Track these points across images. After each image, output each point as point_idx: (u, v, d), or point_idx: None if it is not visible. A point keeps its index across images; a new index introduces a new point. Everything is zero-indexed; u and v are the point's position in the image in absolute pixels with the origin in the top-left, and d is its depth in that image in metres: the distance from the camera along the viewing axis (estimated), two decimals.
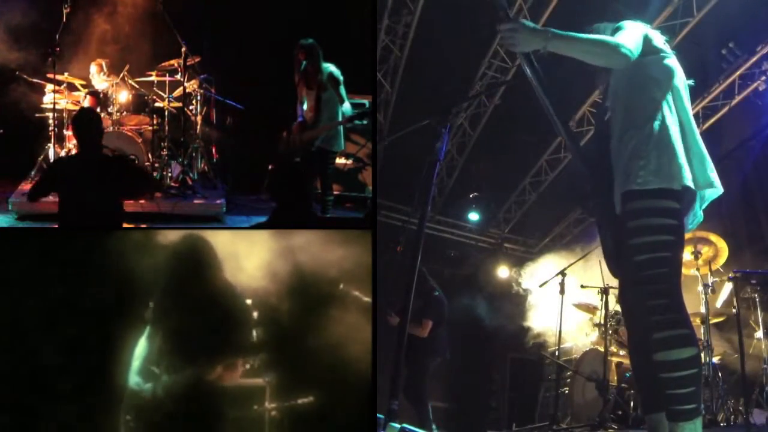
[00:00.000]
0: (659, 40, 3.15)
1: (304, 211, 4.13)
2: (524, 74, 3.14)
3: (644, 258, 2.91)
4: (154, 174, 6.79)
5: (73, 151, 6.72)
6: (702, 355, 5.55)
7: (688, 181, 2.93)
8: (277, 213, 4.09)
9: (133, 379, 3.18)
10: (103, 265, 3.37)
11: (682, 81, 3.14)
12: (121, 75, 7.06)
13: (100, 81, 7.05)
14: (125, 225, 5.64)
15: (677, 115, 3.04)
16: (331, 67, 6.17)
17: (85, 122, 4.74)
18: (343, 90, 6.23)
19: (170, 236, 3.34)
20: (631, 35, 3.05)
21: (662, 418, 2.99)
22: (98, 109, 6.86)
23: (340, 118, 6.23)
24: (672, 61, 3.13)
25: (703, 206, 3.17)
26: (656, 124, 2.98)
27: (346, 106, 6.25)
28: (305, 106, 6.27)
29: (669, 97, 3.05)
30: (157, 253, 3.31)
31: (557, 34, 2.92)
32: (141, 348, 3.20)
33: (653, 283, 2.90)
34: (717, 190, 3.08)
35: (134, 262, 3.33)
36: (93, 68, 7.08)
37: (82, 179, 4.52)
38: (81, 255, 3.39)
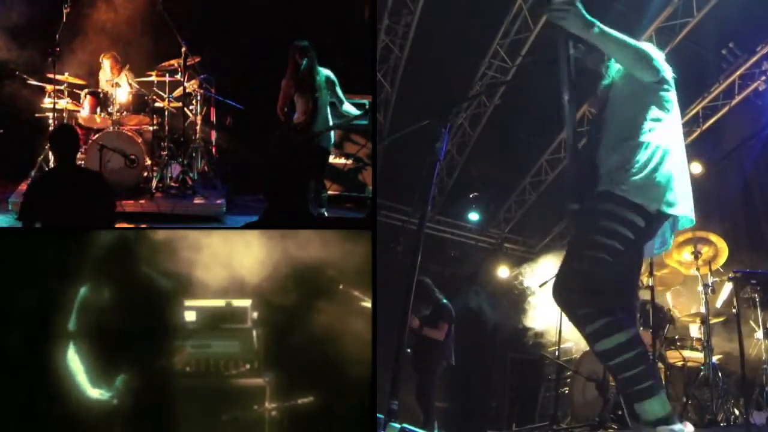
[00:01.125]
0: (669, 73, 3.24)
1: (299, 210, 4.13)
2: (524, 74, 3.19)
3: (589, 254, 2.99)
4: (154, 173, 6.79)
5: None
6: (703, 355, 5.58)
7: (664, 206, 3.02)
8: (268, 212, 4.08)
9: (85, 394, 3.19)
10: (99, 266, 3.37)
11: (678, 114, 3.26)
12: (121, 75, 7.07)
13: (113, 75, 7.04)
14: (125, 225, 5.66)
15: (674, 145, 3.14)
16: (326, 71, 6.16)
17: (63, 138, 4.82)
18: (339, 90, 6.23)
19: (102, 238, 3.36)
20: (659, 55, 3.16)
21: None
22: (98, 109, 6.87)
23: (331, 120, 6.23)
24: (673, 95, 3.24)
25: (675, 230, 3.27)
26: (651, 143, 3.08)
27: (347, 107, 6.26)
28: (297, 109, 6.24)
29: (667, 124, 3.16)
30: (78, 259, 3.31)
31: (603, 31, 3.02)
32: (74, 362, 3.21)
33: (582, 278, 2.98)
34: (691, 219, 3.19)
35: (131, 262, 3.34)
36: (106, 62, 7.05)
37: (60, 193, 4.58)
38: (76, 255, 3.39)
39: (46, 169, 6.49)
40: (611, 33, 3.04)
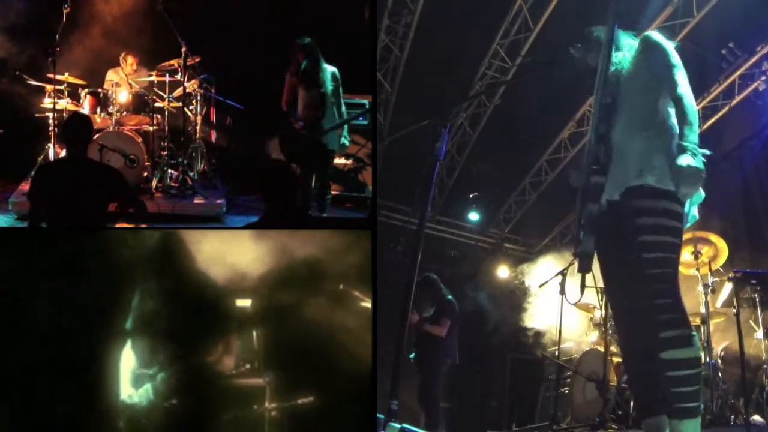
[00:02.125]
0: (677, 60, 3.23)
1: (295, 211, 4.13)
2: (524, 74, 3.19)
3: (653, 256, 2.97)
4: (154, 173, 6.79)
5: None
6: (702, 354, 5.57)
7: (691, 187, 3.03)
8: (266, 213, 4.08)
9: (128, 388, 3.19)
10: (102, 266, 3.36)
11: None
12: (121, 75, 7.07)
13: (133, 73, 7.07)
14: (125, 225, 5.65)
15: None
16: (331, 68, 6.18)
17: (76, 127, 4.77)
18: (340, 91, 6.25)
19: (147, 239, 3.35)
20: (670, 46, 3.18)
21: (660, 421, 3.01)
22: (98, 109, 6.87)
23: (338, 118, 6.25)
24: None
25: (693, 206, 3.24)
26: (669, 127, 3.09)
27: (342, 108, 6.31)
28: (299, 103, 6.25)
29: (680, 109, 3.14)
30: (135, 257, 3.31)
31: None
32: (128, 358, 3.21)
33: (660, 282, 2.96)
34: (695, 215, 3.23)
35: (131, 262, 3.34)
36: (130, 59, 7.09)
37: (67, 182, 4.56)
38: (78, 255, 3.39)
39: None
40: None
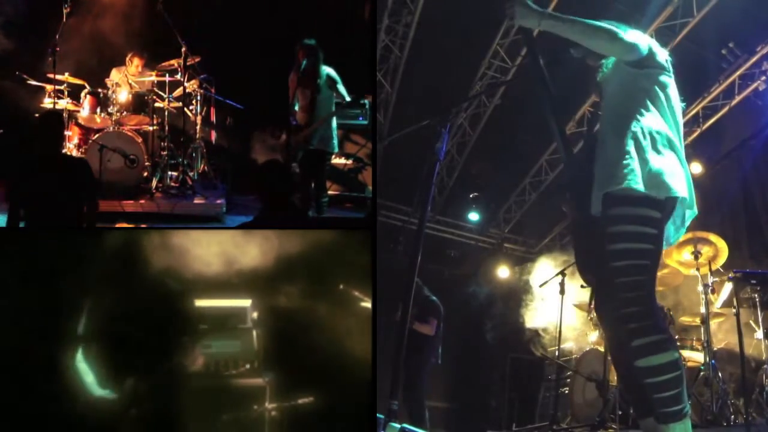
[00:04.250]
0: (663, 56, 3.16)
1: (293, 210, 4.13)
2: (524, 74, 3.19)
3: (622, 264, 2.93)
4: (155, 173, 6.79)
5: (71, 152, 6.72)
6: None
7: (671, 190, 2.94)
8: (263, 212, 4.09)
9: (94, 391, 3.20)
10: (99, 265, 3.36)
11: (676, 100, 3.16)
12: (122, 74, 7.07)
13: (139, 73, 7.10)
14: (125, 225, 5.65)
15: (670, 130, 3.07)
16: (327, 69, 6.19)
17: (49, 125, 4.88)
18: (341, 88, 6.26)
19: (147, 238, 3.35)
20: (635, 34, 3.08)
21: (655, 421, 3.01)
22: (98, 109, 6.87)
23: (335, 120, 6.26)
24: (669, 79, 3.15)
25: (685, 225, 3.19)
26: (642, 129, 3.00)
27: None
28: (298, 107, 6.27)
29: (661, 111, 3.08)
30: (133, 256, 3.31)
31: (553, 15, 2.99)
32: (83, 365, 3.21)
33: (629, 291, 2.92)
34: (694, 211, 3.14)
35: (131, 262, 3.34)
36: (137, 60, 7.11)
37: (44, 181, 4.60)
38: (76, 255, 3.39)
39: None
40: (570, 19, 2.95)
